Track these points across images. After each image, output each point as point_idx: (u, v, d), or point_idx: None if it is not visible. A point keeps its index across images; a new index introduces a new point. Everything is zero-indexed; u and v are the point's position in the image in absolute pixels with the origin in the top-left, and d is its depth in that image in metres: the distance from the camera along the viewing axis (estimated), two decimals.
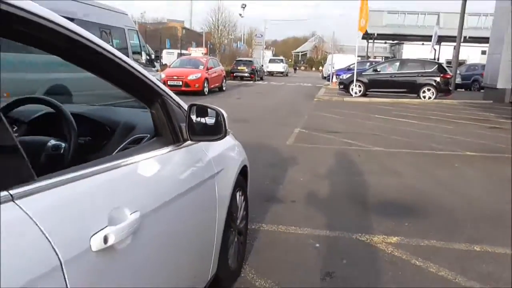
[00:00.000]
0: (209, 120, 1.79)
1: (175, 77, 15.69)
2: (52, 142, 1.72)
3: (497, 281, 2.63)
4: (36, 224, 0.92)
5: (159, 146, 1.64)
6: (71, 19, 6.07)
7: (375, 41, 37.19)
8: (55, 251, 0.93)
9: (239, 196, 2.55)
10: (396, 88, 16.37)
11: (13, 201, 0.90)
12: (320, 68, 46.92)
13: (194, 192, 1.75)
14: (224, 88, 18.95)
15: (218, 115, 1.76)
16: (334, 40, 35.69)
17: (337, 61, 28.71)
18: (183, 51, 34.28)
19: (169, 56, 32.14)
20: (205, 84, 16.20)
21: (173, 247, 1.59)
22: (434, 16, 33.19)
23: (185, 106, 1.79)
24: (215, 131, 1.77)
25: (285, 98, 16.44)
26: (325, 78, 31.58)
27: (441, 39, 28.86)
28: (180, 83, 15.47)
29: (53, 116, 1.84)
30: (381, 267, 2.81)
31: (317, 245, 3.10)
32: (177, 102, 1.79)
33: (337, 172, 5.30)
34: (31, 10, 1.00)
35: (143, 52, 10.70)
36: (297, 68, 61.54)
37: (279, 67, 40.78)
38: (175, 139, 1.72)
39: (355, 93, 16.58)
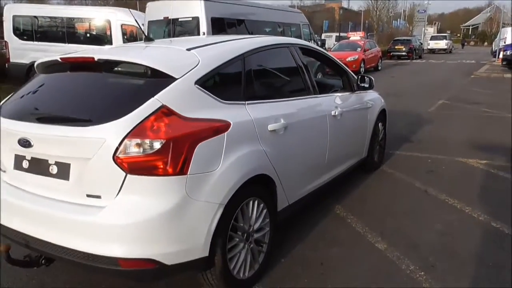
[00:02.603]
0: (366, 84, 4.17)
1: None
2: None
3: None
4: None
5: (345, 91, 4.08)
6: (268, 21, 9.84)
7: None
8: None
9: (380, 125, 4.86)
10: None
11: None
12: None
13: (359, 112, 4.19)
14: (379, 68, 20.50)
15: (370, 79, 4.15)
16: None
17: (511, 35, 26.63)
18: (342, 34, 36.03)
19: (327, 39, 34.34)
20: (362, 65, 18.12)
21: (351, 132, 4.04)
22: None
23: (355, 76, 4.19)
24: (368, 87, 4.15)
25: (439, 76, 17.11)
26: (493, 53, 29.61)
27: None
28: None
29: None
30: (467, 171, 4.76)
31: (429, 160, 5.18)
32: (351, 74, 4.21)
33: (461, 127, 6.96)
34: (309, 46, 3.65)
35: (312, 41, 13.35)
36: (465, 43, 57.01)
37: (441, 44, 39.27)
38: (351, 90, 4.14)
39: None
